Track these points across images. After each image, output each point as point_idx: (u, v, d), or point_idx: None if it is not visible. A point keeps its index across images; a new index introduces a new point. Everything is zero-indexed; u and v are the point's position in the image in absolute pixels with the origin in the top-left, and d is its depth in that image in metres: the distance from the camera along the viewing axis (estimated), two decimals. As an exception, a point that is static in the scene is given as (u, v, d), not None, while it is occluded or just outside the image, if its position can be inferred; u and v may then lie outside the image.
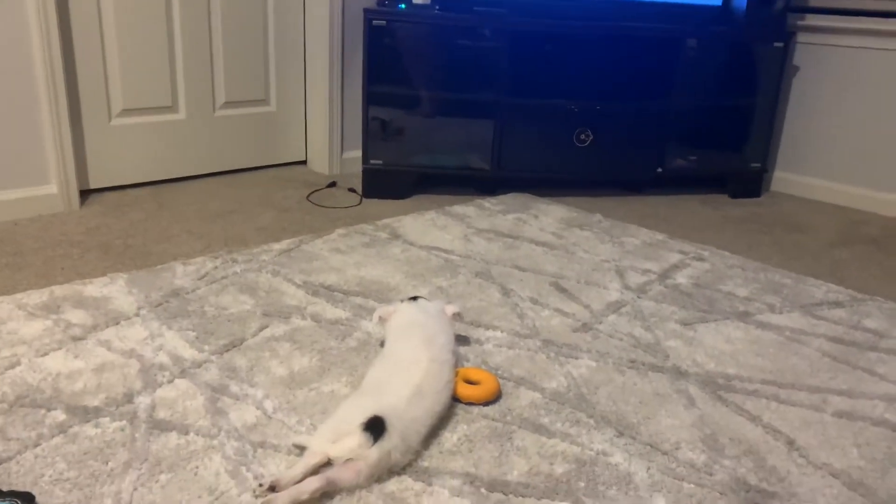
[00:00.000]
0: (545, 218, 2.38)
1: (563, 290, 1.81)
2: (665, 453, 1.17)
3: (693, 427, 1.25)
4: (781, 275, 1.99)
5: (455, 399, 1.26)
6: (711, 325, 1.66)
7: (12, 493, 0.95)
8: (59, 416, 1.16)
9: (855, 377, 1.46)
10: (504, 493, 1.06)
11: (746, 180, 2.83)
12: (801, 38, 2.83)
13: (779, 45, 2.66)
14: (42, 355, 1.34)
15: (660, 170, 2.71)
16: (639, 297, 1.79)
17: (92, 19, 2.22)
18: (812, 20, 2.79)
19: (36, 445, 1.08)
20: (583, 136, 2.60)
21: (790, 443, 1.22)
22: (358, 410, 1.08)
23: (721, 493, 1.09)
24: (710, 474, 1.13)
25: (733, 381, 1.41)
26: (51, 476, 1.02)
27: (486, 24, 2.43)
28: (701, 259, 2.08)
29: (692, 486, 1.10)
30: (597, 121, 2.59)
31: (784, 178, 2.97)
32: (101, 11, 2.23)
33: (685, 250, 2.15)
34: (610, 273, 1.94)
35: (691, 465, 1.15)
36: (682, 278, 1.93)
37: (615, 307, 1.73)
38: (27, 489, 0.98)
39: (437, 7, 2.45)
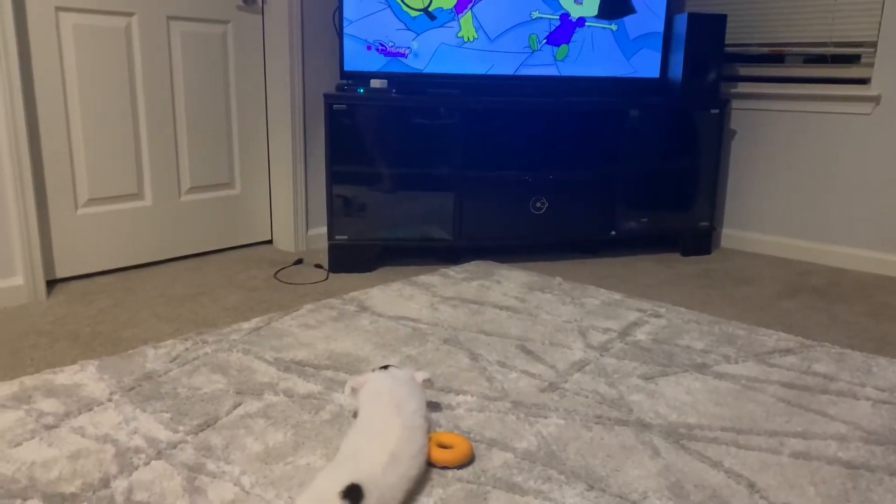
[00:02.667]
0: (508, 283, 2.46)
1: (528, 352, 1.87)
2: (634, 503, 1.22)
3: (659, 476, 1.30)
4: (734, 326, 2.09)
5: (429, 464, 1.30)
6: (672, 378, 1.73)
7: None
8: (35, 505, 1.16)
9: (808, 419, 1.53)
10: (482, 553, 1.09)
11: (696, 239, 2.97)
12: (736, 104, 3.04)
13: (715, 111, 2.86)
14: (15, 445, 1.33)
15: (613, 233, 2.83)
16: (601, 355, 1.86)
17: (58, 111, 2.29)
18: (743, 88, 3.00)
19: (12, 536, 1.08)
20: (538, 204, 2.72)
21: (751, 485, 1.28)
22: (335, 479, 1.10)
23: (689, 538, 1.13)
24: (678, 520, 1.18)
25: (694, 430, 1.47)
26: (29, 566, 1.02)
27: (441, 104, 2.57)
28: (658, 315, 2.17)
29: (661, 533, 1.15)
30: (550, 189, 2.72)
31: (732, 235, 3.12)
32: (67, 103, 2.31)
33: (643, 308, 2.24)
34: (573, 333, 2.01)
35: (659, 513, 1.19)
36: (641, 335, 2.01)
37: (579, 366, 1.79)
38: (5, 581, 0.97)
39: (394, 91, 2.58)
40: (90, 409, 1.48)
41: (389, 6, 2.57)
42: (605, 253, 2.93)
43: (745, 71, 3.03)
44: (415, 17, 2.60)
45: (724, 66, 2.92)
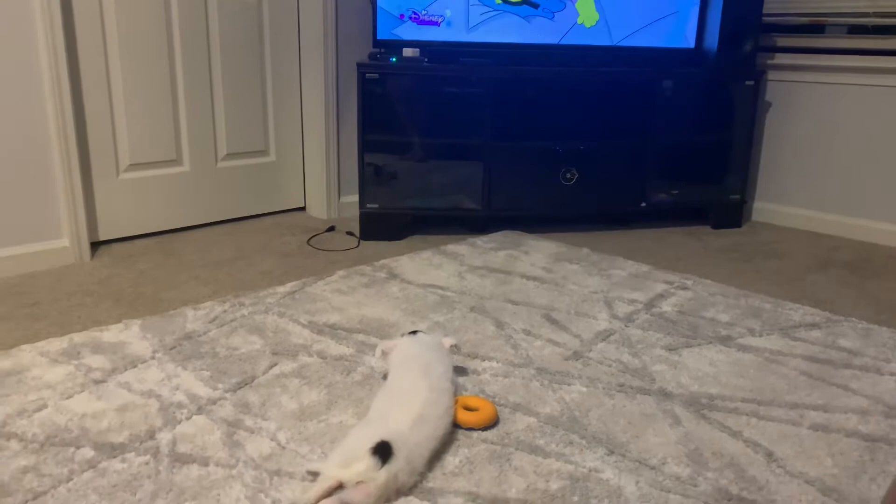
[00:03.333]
0: (535, 253, 2.50)
1: (554, 322, 1.91)
2: (652, 468, 1.26)
3: (678, 444, 1.34)
4: (761, 300, 2.10)
5: (455, 425, 1.35)
6: (695, 350, 1.75)
7: (50, 523, 1.03)
8: (88, 452, 1.24)
9: (830, 393, 1.55)
10: (504, 509, 1.14)
11: (727, 211, 2.96)
12: (772, 75, 2.99)
13: (750, 83, 2.82)
14: (67, 398, 1.42)
15: (643, 204, 2.84)
16: (626, 326, 1.89)
17: (101, 80, 2.36)
18: (780, 59, 2.95)
19: (68, 480, 1.17)
20: (568, 175, 2.73)
21: (769, 454, 1.31)
22: (366, 437, 1.16)
23: (705, 503, 1.17)
24: (695, 486, 1.22)
25: (715, 401, 1.51)
26: (83, 508, 1.10)
27: (473, 73, 2.58)
28: (685, 288, 2.19)
29: (678, 497, 1.19)
30: (581, 160, 2.73)
31: (763, 208, 3.10)
32: (109, 73, 2.37)
33: (670, 280, 2.26)
34: (599, 304, 2.04)
35: (677, 478, 1.24)
36: (667, 307, 2.03)
37: (604, 336, 1.82)
38: (63, 520, 1.06)
39: (426, 59, 2.60)
40: (135, 366, 1.57)
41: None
42: (634, 224, 2.94)
43: (783, 41, 2.98)
44: (499, 4, 2.62)
45: (760, 36, 2.87)
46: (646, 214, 2.92)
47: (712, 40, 2.80)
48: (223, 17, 2.62)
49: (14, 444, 1.26)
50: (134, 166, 2.50)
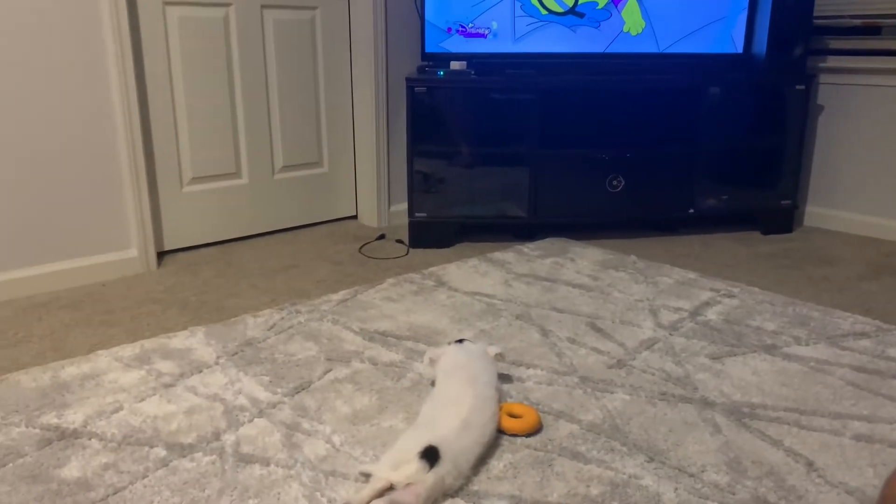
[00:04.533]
0: (581, 261, 2.53)
1: (598, 330, 1.95)
2: (691, 475, 1.30)
3: (718, 452, 1.37)
4: (809, 308, 2.09)
5: (500, 431, 1.41)
6: (739, 359, 1.77)
7: (130, 516, 1.13)
8: (161, 452, 1.35)
9: (876, 403, 1.56)
10: (545, 513, 1.20)
11: (777, 217, 2.93)
12: (824, 79, 2.95)
13: (800, 87, 2.79)
14: (140, 401, 1.54)
15: (692, 210, 2.84)
16: (671, 334, 1.92)
17: (166, 100, 2.50)
18: (833, 62, 2.91)
19: (144, 477, 1.27)
20: (615, 182, 2.76)
21: (809, 464, 1.33)
22: (415, 441, 1.24)
23: (743, 510, 1.21)
24: (733, 493, 1.25)
25: (757, 410, 1.53)
26: (158, 502, 1.21)
27: (517, 85, 2.63)
28: (731, 296, 2.19)
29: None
30: (628, 167, 2.75)
31: (816, 213, 3.06)
32: (173, 91, 2.52)
33: (716, 288, 2.27)
34: (644, 312, 2.07)
35: (715, 486, 1.27)
36: (712, 315, 2.05)
37: (648, 344, 1.86)
38: (140, 513, 1.16)
39: (473, 71, 2.66)
40: (200, 371, 1.68)
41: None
42: (682, 230, 2.94)
43: (835, 44, 2.93)
44: (545, 14, 2.68)
45: (812, 39, 2.83)
46: (694, 220, 2.92)
47: (761, 45, 2.78)
48: (278, 36, 2.74)
49: (95, 443, 1.38)
50: (196, 179, 2.64)
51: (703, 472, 1.31)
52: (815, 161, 3.04)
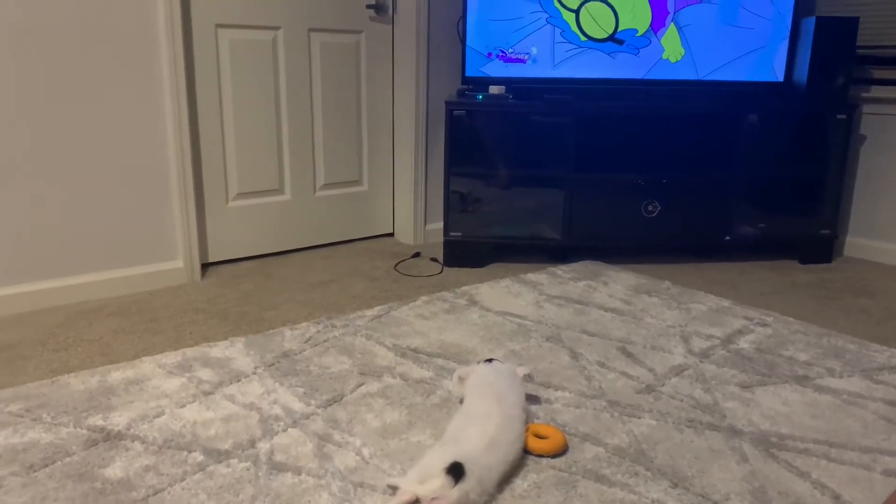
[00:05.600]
0: (614, 285, 2.54)
1: (629, 355, 1.96)
2: (715, 503, 1.31)
3: (743, 480, 1.38)
4: (845, 340, 2.07)
5: (526, 451, 1.44)
6: (770, 388, 1.77)
7: (168, 516, 1.19)
8: (198, 456, 1.41)
9: (909, 439, 1.54)
10: (567, 533, 1.22)
11: (816, 246, 2.90)
12: (867, 108, 2.92)
13: (842, 116, 2.77)
14: (181, 406, 1.61)
15: (728, 237, 2.83)
16: (701, 362, 1.92)
17: (214, 117, 2.61)
18: (876, 92, 2.88)
19: (182, 480, 1.33)
20: (650, 207, 2.77)
21: (836, 497, 1.33)
22: (441, 457, 1.27)
23: (765, 540, 1.21)
24: (757, 523, 1.25)
25: (786, 440, 1.52)
26: (195, 505, 1.26)
27: (556, 108, 2.67)
28: (765, 325, 2.18)
29: (739, 533, 1.23)
30: (664, 193, 2.76)
31: (856, 244, 3.02)
32: (222, 109, 2.62)
33: (749, 316, 2.26)
34: (675, 338, 2.08)
35: (739, 515, 1.28)
36: (744, 343, 2.04)
37: (678, 370, 1.86)
38: (178, 514, 1.22)
39: (511, 96, 2.71)
40: (238, 380, 1.74)
41: (555, 26, 2.70)
42: (718, 257, 2.93)
43: (879, 74, 2.91)
44: (584, 41, 2.73)
45: (854, 69, 2.82)
46: (730, 247, 2.91)
47: (802, 73, 2.78)
48: (324, 59, 2.84)
49: (137, 446, 1.45)
50: (241, 195, 2.74)
51: (727, 500, 1.32)
52: (856, 191, 3.01)
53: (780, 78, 2.85)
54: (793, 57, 2.83)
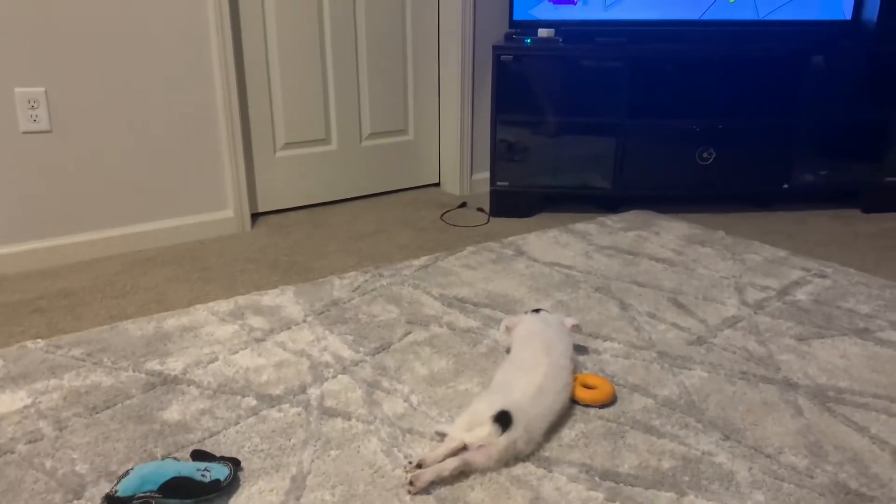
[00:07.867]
0: (666, 235, 2.48)
1: (680, 306, 1.92)
2: (768, 456, 1.28)
3: (798, 434, 1.35)
4: (909, 292, 1.99)
5: (573, 401, 1.43)
6: (827, 341, 1.71)
7: (224, 458, 1.23)
8: (251, 401, 1.45)
9: (976, 395, 1.48)
10: (615, 482, 1.22)
11: (881, 194, 2.77)
12: (943, 46, 2.73)
13: (915, 56, 2.61)
14: (234, 353, 1.65)
15: (786, 185, 2.72)
16: (755, 313, 1.87)
17: (261, 71, 2.60)
18: (954, 28, 2.69)
19: (236, 424, 1.37)
20: (705, 155, 2.67)
21: (896, 453, 1.29)
22: (489, 405, 1.27)
23: (820, 495, 1.19)
24: (811, 477, 1.23)
25: (844, 394, 1.48)
26: (249, 448, 1.30)
27: (607, 52, 2.58)
28: (823, 276, 2.11)
29: (792, 486, 1.21)
30: (719, 139, 2.66)
31: (925, 192, 2.86)
32: (268, 64, 2.61)
33: (808, 267, 2.18)
34: (728, 289, 2.02)
35: (793, 468, 1.25)
36: (801, 295, 1.98)
37: (731, 322, 1.82)
38: (233, 456, 1.26)
39: (561, 39, 2.63)
40: (289, 328, 1.77)
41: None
42: (775, 207, 2.83)
43: (959, 8, 2.71)
44: None
45: (932, 4, 2.63)
46: (789, 195, 2.80)
47: (872, 11, 2.61)
48: (369, 7, 2.78)
49: (193, 390, 1.49)
50: (288, 145, 2.75)
51: (780, 453, 1.29)
52: (927, 136, 2.84)
53: (848, 16, 2.68)
54: (863, -8, 2.66)
